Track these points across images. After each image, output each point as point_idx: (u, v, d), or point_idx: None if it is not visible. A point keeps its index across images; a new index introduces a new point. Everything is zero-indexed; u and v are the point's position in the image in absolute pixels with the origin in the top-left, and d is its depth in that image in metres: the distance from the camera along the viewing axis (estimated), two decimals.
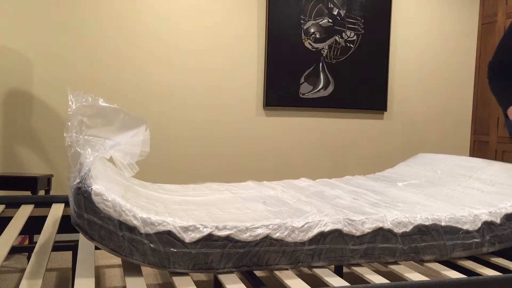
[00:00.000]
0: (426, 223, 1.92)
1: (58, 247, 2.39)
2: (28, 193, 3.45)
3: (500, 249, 2.08)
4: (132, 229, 1.60)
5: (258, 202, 2.14)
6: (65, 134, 1.83)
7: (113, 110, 2.00)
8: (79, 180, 1.60)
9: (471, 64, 4.47)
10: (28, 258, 2.97)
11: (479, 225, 2.00)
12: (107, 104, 1.98)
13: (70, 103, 1.88)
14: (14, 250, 2.41)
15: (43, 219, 2.42)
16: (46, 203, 2.47)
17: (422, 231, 1.91)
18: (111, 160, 2.22)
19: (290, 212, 1.92)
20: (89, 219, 1.57)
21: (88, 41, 3.45)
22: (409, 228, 1.90)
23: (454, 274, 1.79)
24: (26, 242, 3.33)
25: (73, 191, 1.59)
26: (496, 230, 2.03)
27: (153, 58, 3.60)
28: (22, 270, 2.81)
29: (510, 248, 2.08)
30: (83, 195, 1.58)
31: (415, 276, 1.74)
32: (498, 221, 2.04)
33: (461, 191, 2.37)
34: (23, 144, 3.37)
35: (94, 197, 1.58)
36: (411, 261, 1.94)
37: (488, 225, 2.02)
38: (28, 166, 3.39)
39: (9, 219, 2.35)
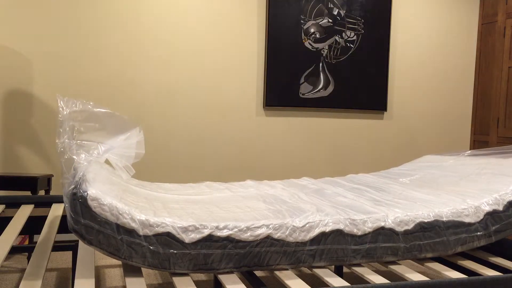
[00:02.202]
0: (428, 220, 1.91)
1: (58, 247, 2.39)
2: (28, 193, 3.45)
3: (504, 240, 2.04)
4: (130, 231, 1.58)
5: (258, 200, 2.13)
6: (57, 141, 1.81)
7: (105, 114, 2.00)
8: (74, 186, 1.59)
9: (471, 64, 4.46)
10: (28, 258, 2.97)
11: (482, 216, 1.97)
12: (99, 109, 1.97)
13: (60, 109, 1.87)
14: (14, 250, 2.41)
15: (43, 219, 2.42)
16: (46, 203, 2.47)
17: (424, 228, 1.89)
18: (107, 161, 2.22)
19: (290, 210, 1.91)
20: (86, 224, 1.56)
21: (88, 41, 3.45)
22: (410, 226, 1.88)
23: (454, 274, 1.79)
24: (26, 242, 3.32)
25: (68, 197, 1.58)
26: (500, 218, 2.00)
27: (153, 58, 3.60)
28: (22, 270, 2.81)
29: (510, 248, 2.07)
30: (79, 201, 1.56)
31: (415, 276, 1.74)
32: (501, 208, 2.01)
33: (464, 184, 2.33)
34: (23, 144, 3.37)
35: (90, 202, 1.57)
36: (412, 261, 1.93)
37: (491, 215, 1.99)
38: (28, 166, 3.39)
39: (9, 219, 2.35)
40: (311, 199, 2.15)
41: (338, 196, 2.22)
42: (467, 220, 1.95)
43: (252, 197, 2.21)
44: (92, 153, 1.87)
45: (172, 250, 1.61)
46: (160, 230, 1.61)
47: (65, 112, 1.87)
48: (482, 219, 1.97)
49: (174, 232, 1.62)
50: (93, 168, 1.76)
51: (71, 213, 1.56)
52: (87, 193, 1.57)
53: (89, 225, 1.56)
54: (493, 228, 1.98)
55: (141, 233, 1.59)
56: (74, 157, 1.76)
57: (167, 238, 1.61)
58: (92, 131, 1.95)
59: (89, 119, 1.95)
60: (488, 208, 1.99)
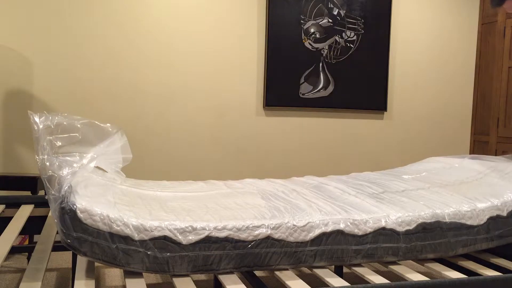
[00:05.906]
0: (430, 221, 1.89)
1: (58, 247, 2.38)
2: (28, 193, 3.45)
3: (505, 244, 2.03)
4: (125, 238, 1.55)
5: (257, 196, 2.11)
6: (36, 157, 1.76)
7: (82, 124, 1.97)
8: (61, 200, 1.55)
9: (471, 64, 4.46)
10: (28, 258, 2.97)
11: (484, 220, 1.96)
12: (75, 119, 1.94)
13: (34, 126, 1.81)
14: (14, 250, 2.41)
15: (43, 219, 2.42)
16: (46, 203, 2.46)
17: (426, 229, 1.88)
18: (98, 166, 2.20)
19: (288, 208, 1.89)
20: (78, 237, 1.53)
21: (88, 41, 3.45)
22: (412, 226, 1.86)
23: (454, 274, 1.79)
24: (26, 242, 3.32)
25: (57, 212, 1.54)
26: (503, 224, 1.98)
27: (153, 59, 3.60)
28: (22, 270, 2.81)
29: (510, 248, 2.07)
30: (68, 214, 1.53)
31: (415, 276, 1.74)
32: (505, 213, 1.99)
33: (468, 186, 2.31)
34: (23, 144, 3.37)
35: (80, 215, 1.53)
36: (412, 261, 1.93)
37: (494, 220, 1.97)
38: (28, 166, 3.39)
39: (9, 219, 2.35)
40: (310, 195, 2.12)
41: (338, 192, 2.19)
42: (469, 222, 1.93)
43: (250, 193, 2.18)
44: (76, 164, 1.83)
45: (170, 253, 1.58)
46: (156, 234, 1.57)
47: (39, 128, 1.81)
48: (484, 223, 1.95)
49: (171, 235, 1.59)
50: (81, 176, 1.73)
51: (61, 228, 1.52)
52: (76, 206, 1.54)
53: (81, 237, 1.53)
54: (496, 232, 1.96)
55: (136, 238, 1.56)
56: (56, 172, 1.71)
57: (164, 242, 1.58)
58: (72, 142, 1.91)
59: (67, 131, 1.90)
60: (491, 213, 1.97)
